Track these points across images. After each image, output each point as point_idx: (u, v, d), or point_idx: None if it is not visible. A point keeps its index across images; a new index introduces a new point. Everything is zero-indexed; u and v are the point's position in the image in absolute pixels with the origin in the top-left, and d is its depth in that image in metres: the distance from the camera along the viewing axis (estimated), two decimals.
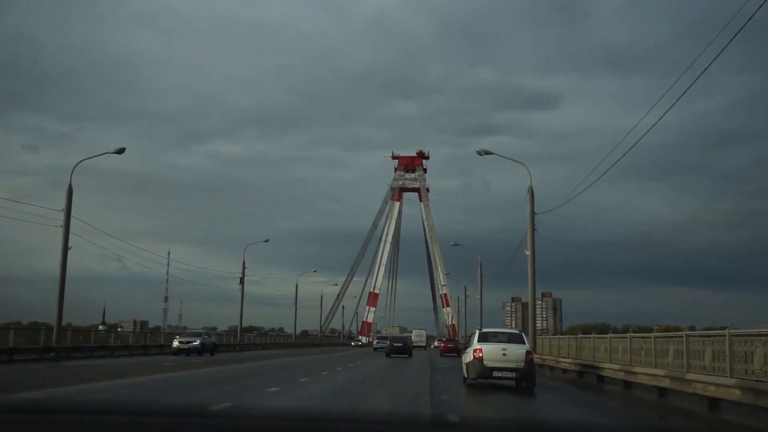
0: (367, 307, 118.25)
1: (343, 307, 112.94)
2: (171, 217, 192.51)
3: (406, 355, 40.80)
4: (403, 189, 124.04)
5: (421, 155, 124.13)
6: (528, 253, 28.89)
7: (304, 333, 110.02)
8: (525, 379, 16.72)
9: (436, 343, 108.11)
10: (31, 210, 31.50)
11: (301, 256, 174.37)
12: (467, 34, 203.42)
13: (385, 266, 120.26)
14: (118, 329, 69.38)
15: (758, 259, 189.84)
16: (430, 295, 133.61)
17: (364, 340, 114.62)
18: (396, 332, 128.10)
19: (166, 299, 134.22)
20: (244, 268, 52.62)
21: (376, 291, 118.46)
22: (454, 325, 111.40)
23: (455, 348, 51.97)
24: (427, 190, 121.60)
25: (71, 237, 27.62)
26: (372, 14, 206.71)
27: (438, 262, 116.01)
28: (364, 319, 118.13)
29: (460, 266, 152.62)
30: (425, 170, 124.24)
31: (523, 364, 16.51)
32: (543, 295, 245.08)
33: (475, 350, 17.03)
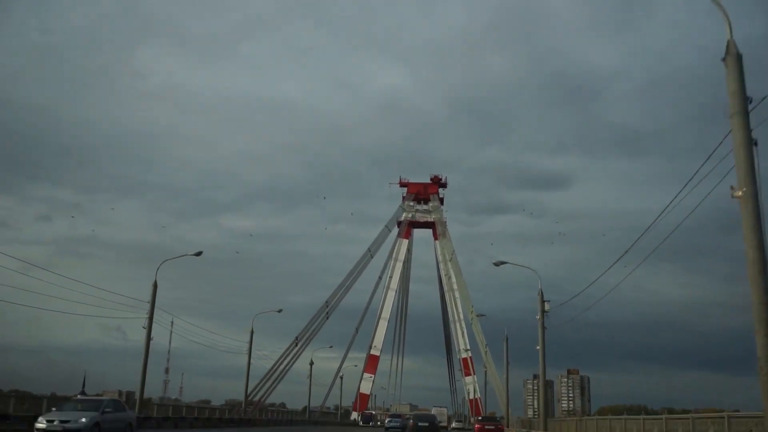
0: (364, 375, 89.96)
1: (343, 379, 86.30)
2: (180, 289, 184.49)
3: None
4: (414, 224, 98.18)
5: (437, 181, 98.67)
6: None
7: (304, 410, 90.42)
8: None
9: (454, 425, 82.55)
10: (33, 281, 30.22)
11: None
12: (479, 114, 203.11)
13: (388, 321, 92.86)
14: None
15: None
16: (445, 365, 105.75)
17: (355, 416, 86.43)
18: (406, 410, 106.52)
19: (167, 371, 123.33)
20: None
21: (376, 353, 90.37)
22: (478, 400, 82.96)
23: (497, 429, 39.40)
24: (445, 223, 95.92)
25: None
26: (384, 94, 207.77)
27: (458, 316, 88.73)
28: (360, 390, 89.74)
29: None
30: (442, 201, 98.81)
31: None
32: (569, 372, 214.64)
33: None
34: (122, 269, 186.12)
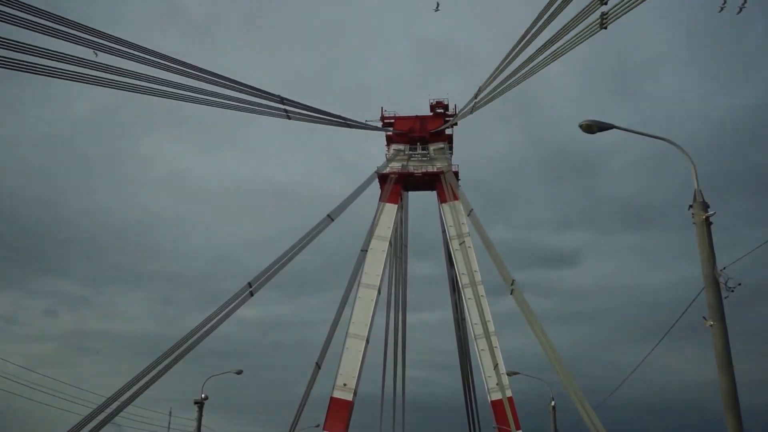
0: None
1: None
2: (185, 382, 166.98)
3: None
4: (407, 179, 60.25)
5: (440, 111, 61.16)
6: None
7: None
8: None
9: None
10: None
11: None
12: (480, 192, 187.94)
13: (368, 342, 54.24)
14: None
15: None
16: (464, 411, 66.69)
17: None
18: None
19: None
20: None
21: (345, 395, 51.42)
22: None
23: None
24: (456, 175, 58.16)
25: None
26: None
27: (484, 328, 50.43)
28: None
29: None
30: (450, 142, 61.17)
31: None
32: None
33: None
34: (131, 364, 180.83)
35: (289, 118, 33.92)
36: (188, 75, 26.17)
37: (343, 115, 49.70)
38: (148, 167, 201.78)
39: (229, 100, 28.91)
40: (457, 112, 59.77)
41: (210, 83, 27.41)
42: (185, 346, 31.59)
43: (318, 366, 45.78)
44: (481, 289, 51.58)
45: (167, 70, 25.54)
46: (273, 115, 32.31)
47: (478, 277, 52.30)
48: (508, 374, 36.77)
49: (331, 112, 44.78)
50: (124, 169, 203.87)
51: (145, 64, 24.54)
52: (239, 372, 43.83)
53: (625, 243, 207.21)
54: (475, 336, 52.22)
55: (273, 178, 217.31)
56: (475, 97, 43.37)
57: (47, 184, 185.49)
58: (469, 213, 50.87)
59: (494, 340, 48.44)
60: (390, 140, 60.11)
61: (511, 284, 37.68)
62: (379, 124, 60.68)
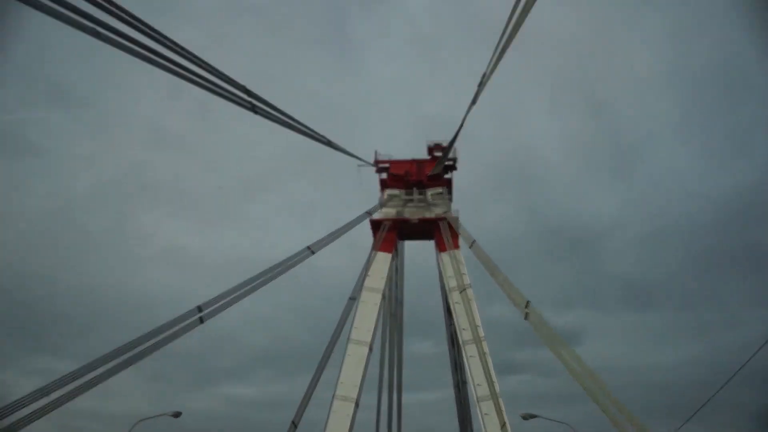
0: None
1: None
2: None
3: None
4: (402, 227, 55.52)
5: (439, 154, 56.79)
6: None
7: None
8: None
9: None
10: None
11: None
12: (480, 270, 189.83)
13: (357, 405, 48.18)
14: None
15: None
16: None
17: None
18: None
19: None
20: None
21: None
22: None
23: None
24: (456, 220, 53.46)
25: None
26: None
27: (491, 388, 44.75)
28: None
29: None
30: (449, 186, 56.78)
31: None
32: None
33: None
34: None
35: (255, 112, 29.51)
36: (156, 39, 23.04)
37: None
38: (147, 243, 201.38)
39: (194, 75, 25.45)
40: (457, 156, 55.74)
41: (178, 54, 24.33)
42: (118, 360, 26.35)
43: (294, 425, 39.31)
44: (485, 346, 45.95)
45: (139, 32, 23.12)
46: (237, 103, 28.08)
47: (481, 332, 46.77)
48: (525, 418, 31.66)
49: (316, 130, 40.03)
50: (121, 245, 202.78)
51: (118, 19, 22.09)
52: (176, 415, 40.67)
53: (627, 322, 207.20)
54: (477, 398, 46.18)
55: (272, 254, 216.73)
56: (479, 84, 39.52)
57: (45, 259, 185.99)
58: (471, 244, 45.83)
59: (501, 402, 42.64)
60: (384, 184, 55.79)
61: (525, 306, 32.69)
62: (374, 169, 56.65)
